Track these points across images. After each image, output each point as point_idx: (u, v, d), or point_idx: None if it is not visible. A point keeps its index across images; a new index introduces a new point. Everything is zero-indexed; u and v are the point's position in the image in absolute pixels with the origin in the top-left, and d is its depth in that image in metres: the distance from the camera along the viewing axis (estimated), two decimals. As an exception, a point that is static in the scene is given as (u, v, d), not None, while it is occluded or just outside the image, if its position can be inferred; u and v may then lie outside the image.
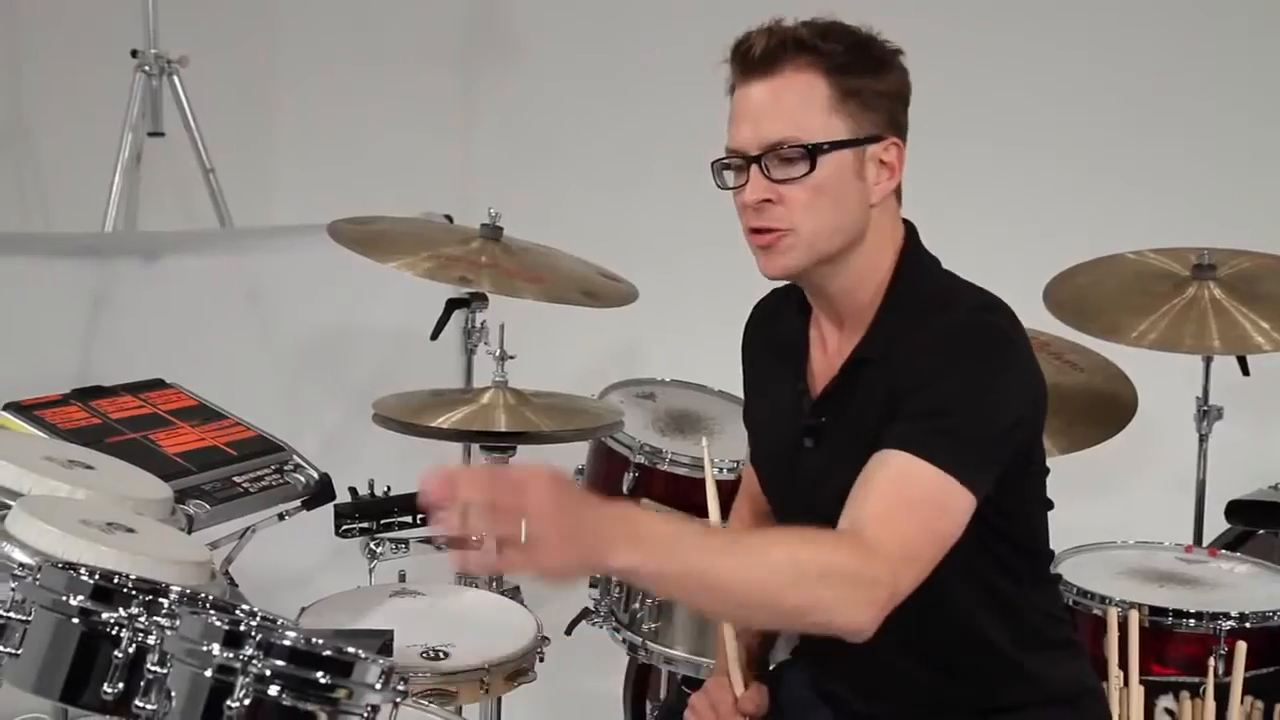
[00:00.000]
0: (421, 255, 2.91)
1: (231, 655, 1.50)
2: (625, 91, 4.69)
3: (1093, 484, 3.41)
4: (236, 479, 2.58)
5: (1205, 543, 3.18)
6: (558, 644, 2.81)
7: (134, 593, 1.66)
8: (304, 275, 3.99)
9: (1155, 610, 2.61)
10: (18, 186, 5.02)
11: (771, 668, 2.45)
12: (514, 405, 2.83)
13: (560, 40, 4.81)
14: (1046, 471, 2.02)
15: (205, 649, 1.52)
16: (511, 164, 4.82)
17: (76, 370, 3.59)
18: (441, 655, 2.43)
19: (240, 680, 1.49)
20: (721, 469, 3.04)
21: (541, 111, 4.83)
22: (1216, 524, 3.24)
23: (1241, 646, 2.54)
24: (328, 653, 1.52)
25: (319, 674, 1.51)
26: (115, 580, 1.72)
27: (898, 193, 1.97)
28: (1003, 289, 1.97)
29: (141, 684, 1.58)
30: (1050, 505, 2.04)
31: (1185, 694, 2.60)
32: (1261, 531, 3.21)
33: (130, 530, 1.96)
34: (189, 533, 2.31)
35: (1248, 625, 2.57)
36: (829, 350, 2.00)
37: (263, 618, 1.72)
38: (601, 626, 2.80)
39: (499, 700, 2.75)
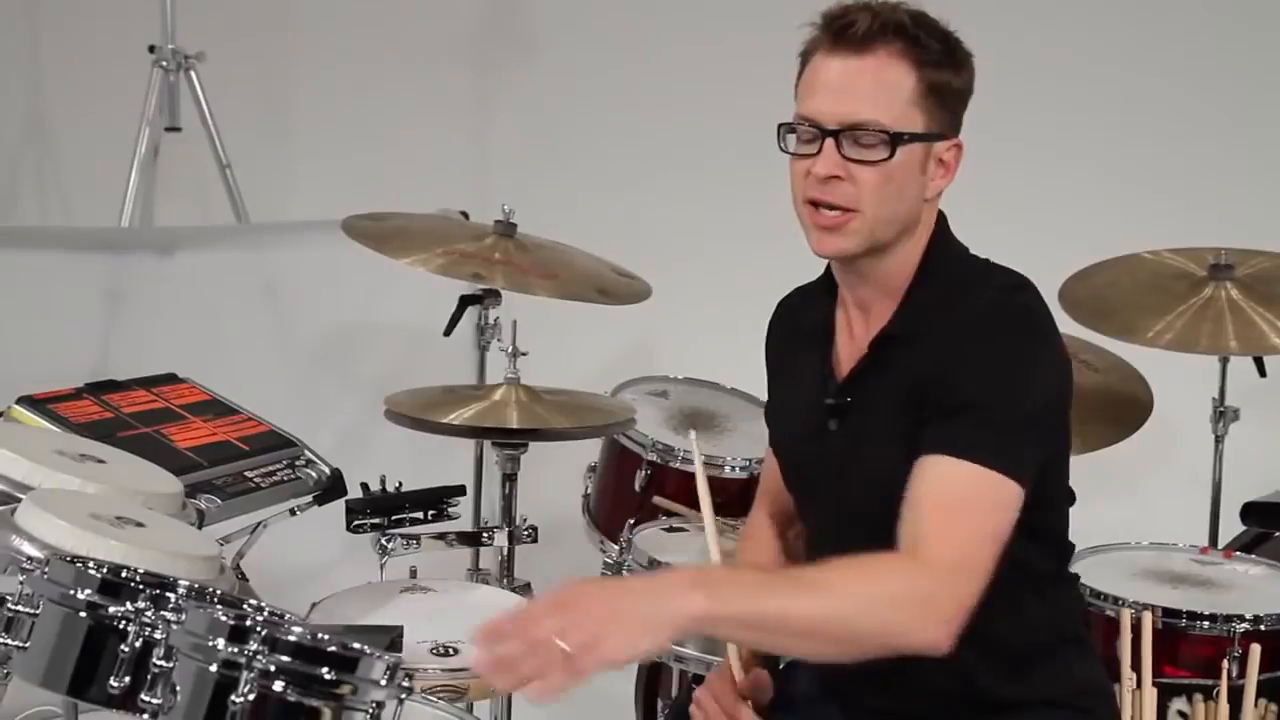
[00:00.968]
0: (435, 251, 2.91)
1: (236, 650, 1.50)
2: (642, 88, 4.69)
3: (1108, 484, 3.39)
4: (248, 474, 2.59)
5: (1221, 544, 3.16)
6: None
7: (141, 587, 1.67)
8: (319, 271, 4.00)
9: (1169, 612, 2.60)
10: (37, 181, 5.04)
11: (780, 666, 2.45)
12: (526, 402, 2.83)
13: (577, 37, 4.80)
14: (1067, 457, 2.01)
15: (210, 644, 1.52)
16: (528, 160, 4.82)
17: (93, 364, 3.61)
18: (451, 652, 2.42)
19: (245, 675, 1.49)
20: (734, 467, 3.05)
21: (559, 108, 4.83)
22: (1232, 525, 3.22)
23: (1256, 649, 2.51)
24: (332, 649, 1.53)
25: (324, 670, 1.52)
26: (123, 574, 1.72)
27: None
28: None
29: (147, 678, 1.58)
30: (1073, 498, 2.03)
31: (1199, 696, 2.58)
32: (1277, 534, 3.18)
33: (140, 524, 1.96)
34: (200, 527, 2.31)
35: (1262, 628, 2.56)
36: (855, 334, 2.00)
37: (269, 613, 1.72)
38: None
39: (509, 697, 2.74)
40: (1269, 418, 3.48)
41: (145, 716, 1.58)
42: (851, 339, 2.01)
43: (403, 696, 1.57)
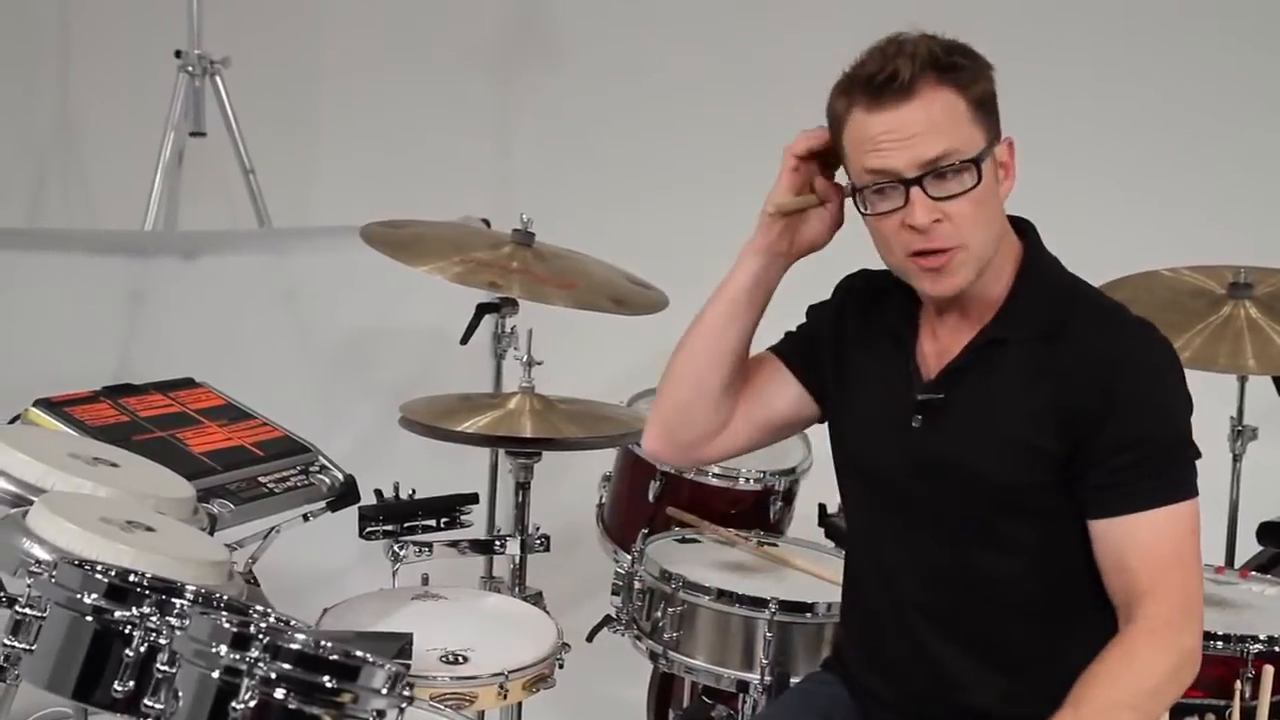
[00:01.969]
0: (453, 259, 2.91)
1: (238, 657, 1.51)
2: (665, 98, 4.70)
3: (1124, 502, 3.37)
4: (262, 479, 2.59)
5: (1237, 564, 3.14)
6: (584, 650, 2.81)
7: (147, 592, 1.67)
8: (341, 276, 4.02)
9: (1180, 631, 2.58)
10: (64, 184, 5.08)
11: (801, 679, 2.44)
12: (540, 411, 2.83)
13: (601, 46, 4.82)
14: None
15: (213, 650, 1.53)
16: (551, 169, 4.83)
17: (115, 367, 3.64)
18: (461, 659, 2.42)
19: (246, 682, 1.50)
20: (748, 479, 3.05)
21: (582, 117, 4.85)
22: (1249, 545, 3.20)
23: (1269, 670, 2.50)
24: (334, 657, 1.53)
25: (325, 678, 1.52)
26: (130, 579, 1.73)
27: None
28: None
29: (151, 683, 1.59)
30: None
31: (1211, 717, 2.56)
32: (1294, 554, 3.17)
33: (150, 529, 1.97)
34: (212, 532, 2.32)
35: (1276, 649, 2.53)
36: (941, 336, 2.01)
37: (274, 620, 1.73)
38: (623, 634, 2.79)
39: (519, 706, 2.74)
40: (1288, 438, 3.45)
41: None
42: (936, 339, 2.02)
43: (403, 705, 1.57)
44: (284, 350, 4.01)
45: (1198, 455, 1.93)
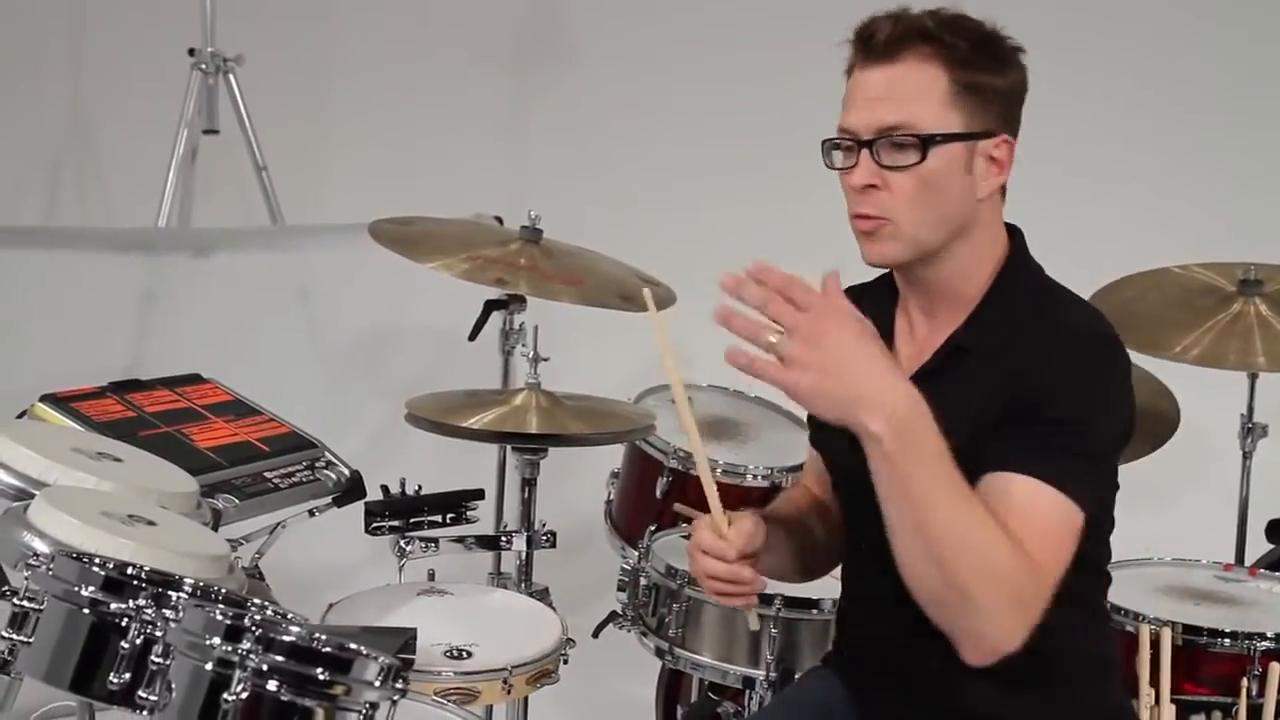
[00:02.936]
0: (460, 256, 2.91)
1: (230, 649, 1.51)
2: (678, 96, 4.70)
3: (1134, 500, 3.33)
4: (267, 474, 2.60)
5: (1248, 562, 3.13)
6: (593, 647, 2.82)
7: (143, 585, 1.68)
8: (352, 273, 4.03)
9: (1189, 628, 2.57)
10: (78, 181, 5.10)
11: (800, 675, 2.45)
12: (546, 407, 2.83)
13: (614, 45, 4.82)
14: (1117, 487, 2.00)
15: (206, 642, 1.54)
16: (563, 166, 4.84)
17: (127, 363, 3.66)
18: (465, 655, 2.43)
19: (238, 674, 1.50)
20: (756, 475, 3.05)
21: (595, 115, 4.85)
22: (1260, 542, 3.19)
23: (1275, 668, 2.50)
24: (326, 649, 1.53)
25: (317, 670, 1.53)
26: (128, 572, 1.74)
27: (1003, 191, 1.96)
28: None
29: (146, 675, 1.60)
30: (1113, 526, 2.02)
31: (1218, 714, 2.56)
32: (1303, 551, 3.16)
33: (151, 523, 1.98)
34: (216, 527, 2.33)
35: (1284, 647, 2.53)
36: (917, 338, 2.00)
37: (271, 613, 1.73)
38: (629, 630, 2.80)
39: (525, 701, 2.74)
40: (1298, 435, 3.44)
41: (143, 713, 1.59)
42: (913, 342, 2.01)
43: (395, 698, 1.58)
44: (295, 347, 4.03)
45: (1106, 471, 1.88)
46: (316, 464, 2.71)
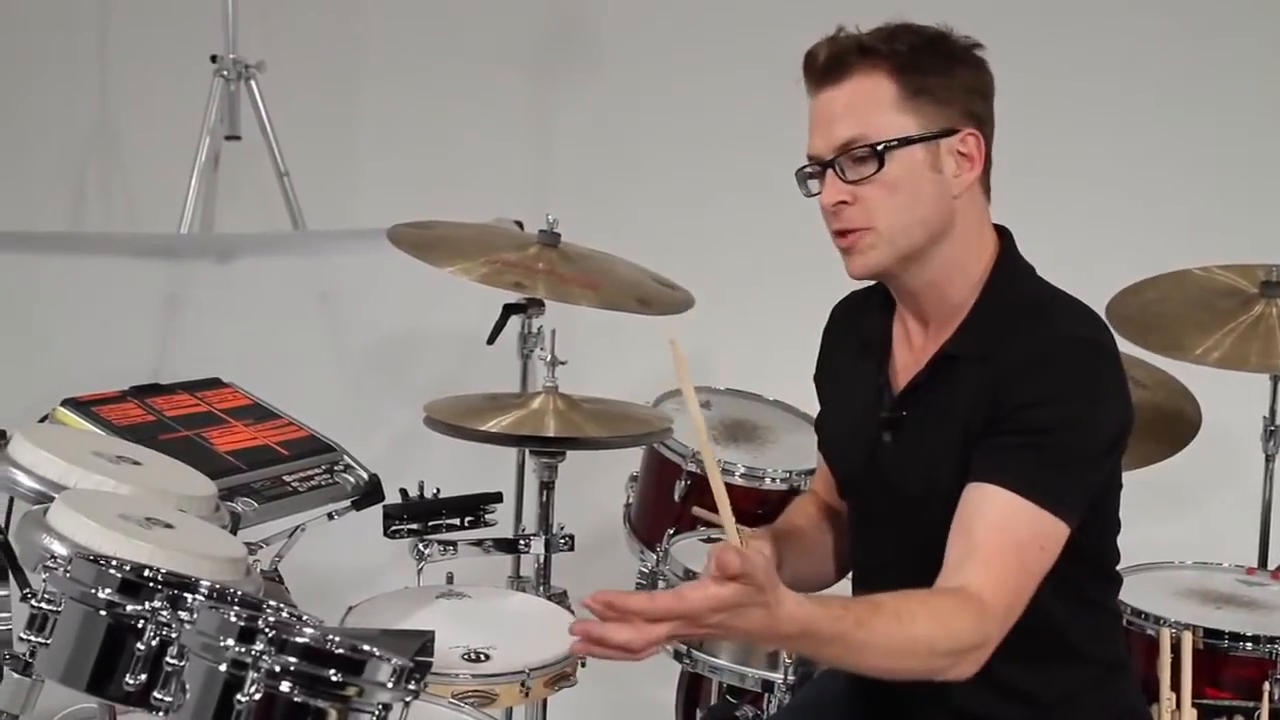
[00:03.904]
0: (479, 260, 2.92)
1: (244, 650, 1.52)
2: (701, 101, 4.70)
3: (1156, 503, 3.36)
4: (286, 478, 2.60)
5: (1271, 565, 3.11)
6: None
7: (160, 587, 1.69)
8: (374, 278, 4.04)
9: (1211, 632, 2.56)
10: (103, 187, 5.13)
11: (816, 675, 2.44)
12: (564, 411, 2.84)
13: (638, 49, 4.82)
14: (1120, 487, 2.01)
15: (220, 643, 1.54)
16: (586, 171, 4.84)
17: (151, 367, 3.68)
18: (483, 657, 2.44)
19: (251, 675, 1.51)
20: (774, 479, 3.05)
21: (618, 120, 4.85)
22: (1281, 547, 3.18)
23: (1297, 671, 2.49)
24: (339, 651, 1.54)
25: (330, 671, 1.53)
26: (145, 574, 1.74)
27: (986, 188, 1.97)
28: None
29: (161, 676, 1.60)
30: (1118, 528, 2.03)
31: (1239, 718, 2.55)
32: (1328, 555, 3.14)
33: (169, 526, 1.99)
34: (235, 530, 2.34)
35: (1306, 651, 2.52)
36: (914, 346, 2.01)
37: (285, 615, 1.74)
38: (648, 633, 2.80)
39: (544, 704, 2.75)
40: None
41: (159, 714, 1.60)
42: (910, 350, 2.02)
43: (408, 700, 1.58)
44: (317, 352, 4.04)
45: (1094, 474, 1.87)
46: (335, 468, 2.71)
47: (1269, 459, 3.13)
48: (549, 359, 2.90)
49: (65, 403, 2.56)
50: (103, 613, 1.67)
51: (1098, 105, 4.07)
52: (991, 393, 1.86)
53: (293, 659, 1.52)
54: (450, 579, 2.75)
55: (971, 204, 1.95)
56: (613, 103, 4.85)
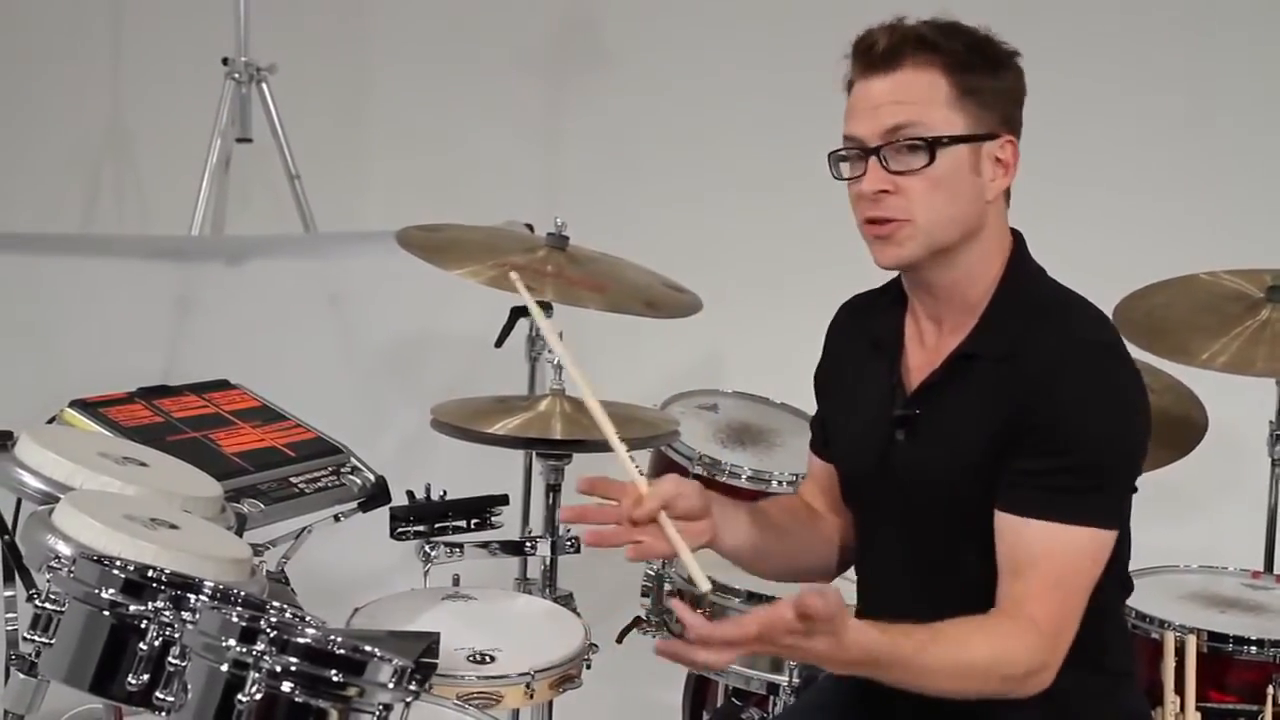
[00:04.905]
0: (487, 263, 2.93)
1: (245, 650, 1.53)
2: (711, 103, 4.71)
3: (1162, 507, 3.32)
4: (293, 479, 2.61)
5: (1277, 569, 3.11)
6: (620, 652, 2.82)
7: (163, 587, 1.70)
8: (384, 280, 4.04)
9: (1215, 636, 2.57)
10: (116, 189, 5.15)
11: (820, 679, 2.45)
12: (570, 413, 2.85)
13: (649, 51, 4.83)
14: (1135, 490, 2.01)
15: (222, 644, 1.55)
16: (597, 174, 4.85)
17: (160, 369, 3.67)
18: (488, 659, 2.45)
19: (252, 675, 1.52)
20: (781, 482, 3.05)
21: (628, 122, 4.86)
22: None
23: (1300, 675, 2.49)
24: (340, 651, 1.55)
25: (331, 672, 1.54)
26: (148, 575, 1.76)
27: (1008, 194, 1.98)
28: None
29: (164, 676, 1.61)
30: (1129, 531, 2.02)
31: (1243, 721, 2.55)
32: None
33: (174, 526, 2.00)
34: (241, 531, 2.35)
35: (1309, 654, 2.52)
36: (927, 345, 2.01)
37: (287, 615, 1.75)
38: (653, 636, 2.81)
39: (550, 706, 2.76)
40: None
41: (162, 714, 1.61)
42: (923, 349, 2.02)
43: (409, 700, 1.59)
44: (327, 353, 4.04)
45: (1130, 489, 1.91)
46: (342, 469, 2.72)
47: (1275, 463, 3.12)
48: (556, 362, 2.91)
49: (73, 404, 2.57)
50: (106, 613, 1.69)
51: (1105, 110, 4.08)
52: (1011, 398, 1.87)
53: (294, 659, 1.53)
54: (456, 581, 2.76)
55: (998, 210, 1.96)
56: (622, 106, 4.86)
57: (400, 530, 2.75)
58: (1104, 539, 1.86)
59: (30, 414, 2.49)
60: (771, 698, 2.66)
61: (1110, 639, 2.03)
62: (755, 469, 3.05)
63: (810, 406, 2.28)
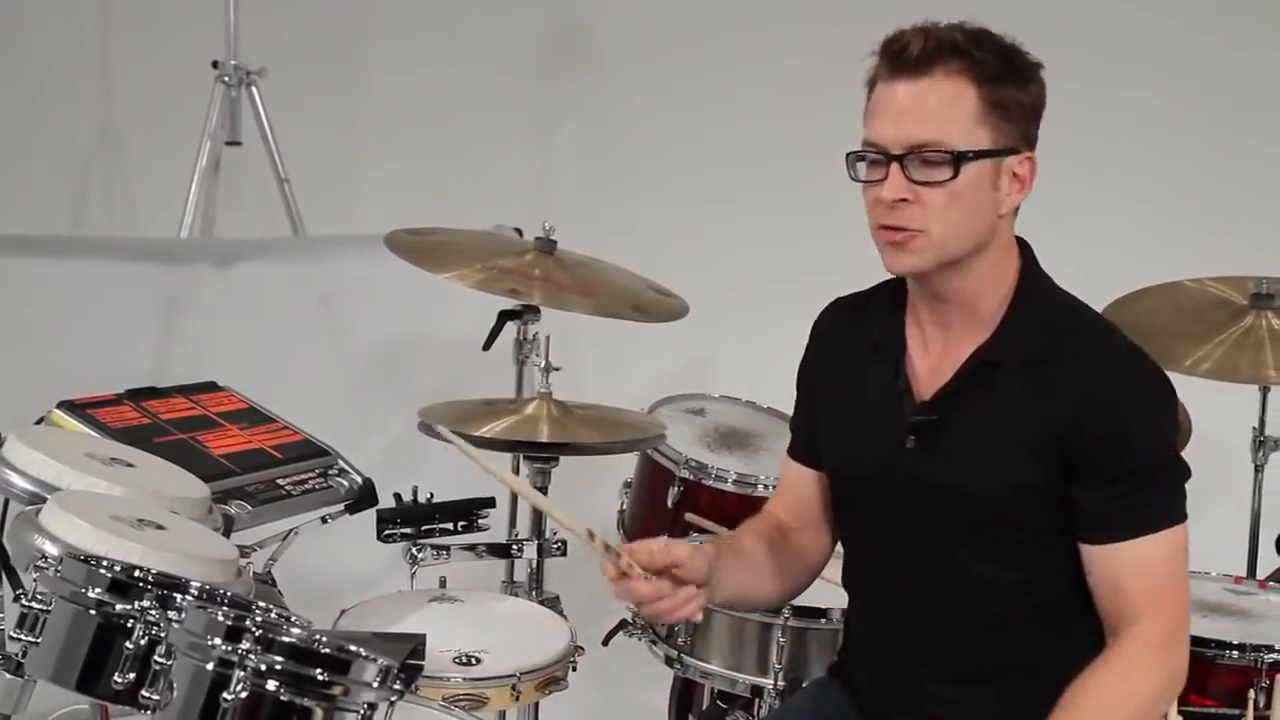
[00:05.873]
0: (475, 267, 2.94)
1: (230, 649, 1.54)
2: (703, 109, 4.72)
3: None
4: (280, 481, 2.62)
5: (1260, 575, 3.12)
6: (607, 655, 2.83)
7: (149, 587, 1.71)
8: (374, 284, 4.06)
9: (1197, 640, 2.55)
10: (105, 191, 5.15)
11: (805, 684, 2.46)
12: (558, 417, 2.86)
13: (641, 57, 4.85)
14: None
15: (207, 642, 1.56)
16: (587, 178, 4.86)
17: (150, 371, 3.69)
18: (474, 661, 2.46)
19: (237, 674, 1.52)
20: (768, 485, 3.06)
21: (620, 127, 4.87)
22: (1272, 556, 3.18)
23: (1283, 680, 2.49)
24: (325, 650, 1.56)
25: (316, 670, 1.55)
26: (134, 574, 1.76)
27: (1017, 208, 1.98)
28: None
29: (149, 675, 1.62)
30: None
31: (1225, 726, 2.56)
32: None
33: (160, 527, 2.01)
34: (228, 533, 2.36)
35: (1291, 659, 2.53)
36: (933, 351, 2.00)
37: (273, 615, 1.76)
38: (639, 639, 2.81)
39: (536, 708, 2.76)
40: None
41: (148, 712, 1.62)
42: (927, 355, 2.00)
43: (393, 699, 1.60)
44: (316, 357, 4.06)
45: (1188, 475, 1.94)
46: (329, 471, 2.73)
47: (1258, 469, 3.14)
48: (544, 365, 2.92)
49: (61, 405, 2.58)
50: (92, 612, 1.70)
51: (1089, 118, 4.08)
52: (1053, 411, 1.88)
53: (279, 658, 1.54)
54: (443, 583, 2.76)
55: (1008, 221, 1.96)
56: (612, 111, 4.87)
57: (387, 532, 2.76)
58: (1185, 528, 1.90)
59: (18, 415, 2.50)
60: (756, 700, 2.66)
61: (1096, 642, 2.04)
62: (741, 473, 3.05)
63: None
